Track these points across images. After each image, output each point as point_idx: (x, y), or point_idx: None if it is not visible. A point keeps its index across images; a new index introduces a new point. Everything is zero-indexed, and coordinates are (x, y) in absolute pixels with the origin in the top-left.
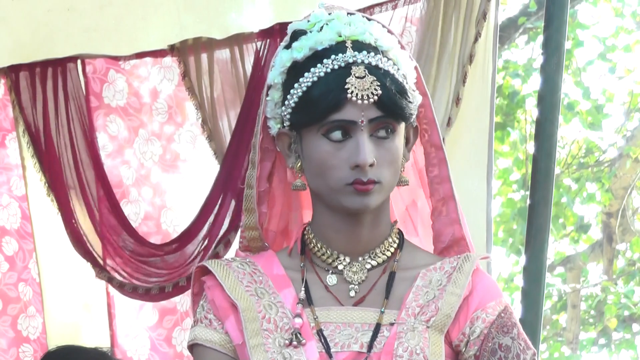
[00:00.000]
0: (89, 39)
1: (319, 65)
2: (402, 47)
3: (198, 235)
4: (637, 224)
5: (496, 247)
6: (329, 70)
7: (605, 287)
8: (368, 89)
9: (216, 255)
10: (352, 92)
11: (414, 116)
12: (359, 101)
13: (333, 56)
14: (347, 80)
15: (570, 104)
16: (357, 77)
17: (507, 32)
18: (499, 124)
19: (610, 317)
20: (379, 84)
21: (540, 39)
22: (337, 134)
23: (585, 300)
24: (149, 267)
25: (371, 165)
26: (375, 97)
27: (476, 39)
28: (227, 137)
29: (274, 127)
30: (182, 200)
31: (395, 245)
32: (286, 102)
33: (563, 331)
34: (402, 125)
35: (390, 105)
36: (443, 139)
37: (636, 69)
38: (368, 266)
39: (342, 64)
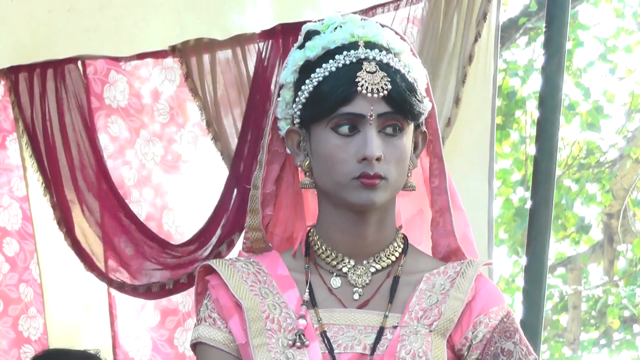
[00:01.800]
0: (89, 40)
1: (330, 61)
2: (415, 55)
3: (213, 237)
4: (638, 225)
5: (497, 247)
6: (340, 65)
7: (606, 288)
8: (378, 83)
9: (218, 255)
10: (362, 85)
11: (422, 117)
12: (369, 94)
13: (345, 52)
14: (358, 74)
15: (571, 104)
16: (368, 72)
17: (507, 32)
18: (499, 125)
19: (611, 318)
20: (389, 79)
21: (541, 39)
22: (345, 128)
23: (586, 301)
24: (150, 268)
25: (378, 160)
26: (385, 92)
27: (476, 39)
28: (232, 138)
29: (284, 128)
30: (184, 201)
31: (400, 250)
32: (297, 99)
33: (564, 332)
34: (411, 126)
35: (400, 101)
36: (443, 140)
37: (637, 70)
38: (372, 270)
39: (354, 60)
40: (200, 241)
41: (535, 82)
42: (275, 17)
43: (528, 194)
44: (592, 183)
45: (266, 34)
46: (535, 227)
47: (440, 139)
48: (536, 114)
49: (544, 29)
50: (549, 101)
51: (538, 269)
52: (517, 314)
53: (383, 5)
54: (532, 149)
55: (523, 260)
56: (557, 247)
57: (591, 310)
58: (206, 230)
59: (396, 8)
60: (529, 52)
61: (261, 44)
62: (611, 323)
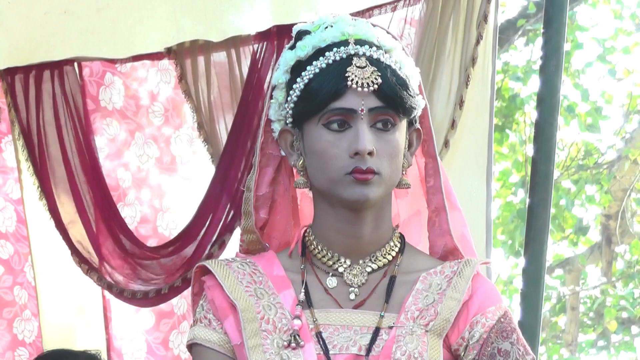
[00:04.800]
0: (85, 42)
1: (320, 58)
2: (407, 54)
3: (196, 237)
4: (636, 226)
5: (495, 249)
6: (330, 61)
7: (604, 289)
8: (368, 77)
9: (210, 256)
10: (352, 79)
11: (415, 112)
12: (359, 89)
13: (335, 49)
14: (348, 69)
15: (570, 106)
16: (358, 67)
17: (506, 34)
18: (498, 126)
19: (610, 319)
20: (379, 74)
21: (540, 41)
22: (336, 124)
23: (584, 303)
24: (145, 271)
25: (370, 154)
26: (376, 86)
27: (477, 42)
28: (224, 140)
29: (278, 130)
30: (179, 203)
31: (396, 249)
32: (289, 98)
33: (562, 333)
34: (404, 122)
35: (391, 95)
36: (449, 142)
37: (635, 71)
38: (368, 269)
39: (344, 56)
40: (183, 242)
41: (534, 84)
42: (272, 18)
43: (527, 195)
44: (590, 184)
45: (261, 36)
46: (534, 228)
47: (434, 139)
48: (535, 115)
49: (542, 31)
50: (547, 102)
51: (536, 271)
52: (515, 315)
53: (380, 6)
54: (530, 150)
55: (521, 262)
56: (555, 249)
57: (589, 312)
58: (189, 231)
59: (393, 9)
60: (527, 53)
61: (256, 46)
62: (609, 324)
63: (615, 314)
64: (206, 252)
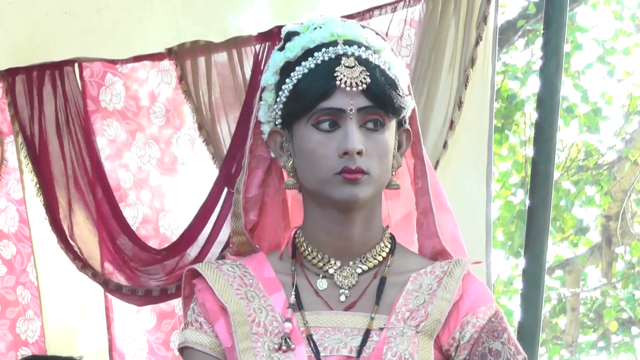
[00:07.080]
0: (86, 42)
1: (309, 58)
2: (396, 55)
3: (196, 238)
4: (636, 227)
5: (495, 250)
6: (319, 62)
7: (605, 290)
8: (357, 77)
9: (222, 259)
10: (340, 79)
11: (404, 112)
12: (348, 88)
13: (324, 49)
14: (337, 69)
15: (569, 107)
16: (347, 67)
17: (506, 34)
18: (497, 127)
19: (610, 320)
20: (368, 74)
21: (540, 41)
22: (326, 124)
23: (584, 304)
24: (147, 273)
25: (359, 154)
26: (364, 86)
27: (477, 43)
28: (225, 141)
29: (267, 132)
30: (181, 204)
31: (387, 250)
32: (278, 99)
33: (562, 334)
34: (393, 122)
35: (380, 95)
36: (446, 142)
37: (635, 72)
38: (359, 271)
39: (333, 56)
40: (184, 243)
41: (534, 85)
42: (273, 19)
43: (527, 196)
44: (590, 185)
45: (263, 36)
46: (534, 229)
47: (422, 140)
48: (535, 116)
49: (542, 32)
50: (547, 103)
51: (536, 272)
52: (515, 316)
53: (380, 7)
54: (530, 151)
55: (521, 263)
56: (555, 250)
57: (589, 313)
58: (189, 232)
59: (393, 10)
60: (527, 54)
61: (258, 46)
62: (609, 325)
63: (615, 315)
64: (217, 254)
